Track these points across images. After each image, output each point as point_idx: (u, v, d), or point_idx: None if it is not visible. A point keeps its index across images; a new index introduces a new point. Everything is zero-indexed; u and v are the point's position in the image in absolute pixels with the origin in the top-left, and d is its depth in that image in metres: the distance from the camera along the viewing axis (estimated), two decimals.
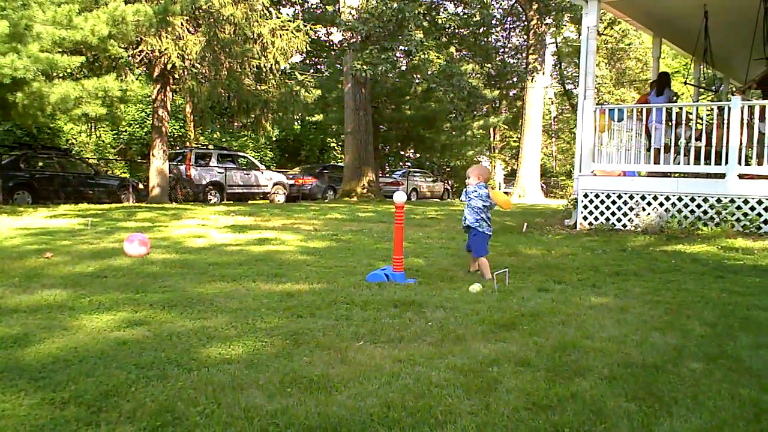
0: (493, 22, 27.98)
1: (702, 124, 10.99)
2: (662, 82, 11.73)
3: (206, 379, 3.00)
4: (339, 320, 4.15)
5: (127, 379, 2.97)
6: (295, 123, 32.61)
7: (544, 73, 30.80)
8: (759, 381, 3.09)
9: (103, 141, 28.12)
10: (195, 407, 2.66)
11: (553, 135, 50.76)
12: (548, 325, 4.09)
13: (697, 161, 9.85)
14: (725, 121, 9.54)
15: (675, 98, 11.80)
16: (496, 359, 3.34)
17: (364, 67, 20.30)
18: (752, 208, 9.08)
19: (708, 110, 10.67)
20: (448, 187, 36.52)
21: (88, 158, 24.29)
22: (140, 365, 3.17)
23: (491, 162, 44.19)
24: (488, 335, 3.84)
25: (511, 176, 38.06)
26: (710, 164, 9.65)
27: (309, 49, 22.55)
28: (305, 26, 20.47)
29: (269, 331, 3.87)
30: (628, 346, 3.64)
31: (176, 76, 18.99)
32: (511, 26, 33.19)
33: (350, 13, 22.10)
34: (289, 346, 3.57)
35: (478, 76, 30.87)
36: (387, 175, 32.65)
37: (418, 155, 41.75)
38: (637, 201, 9.92)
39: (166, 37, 16.80)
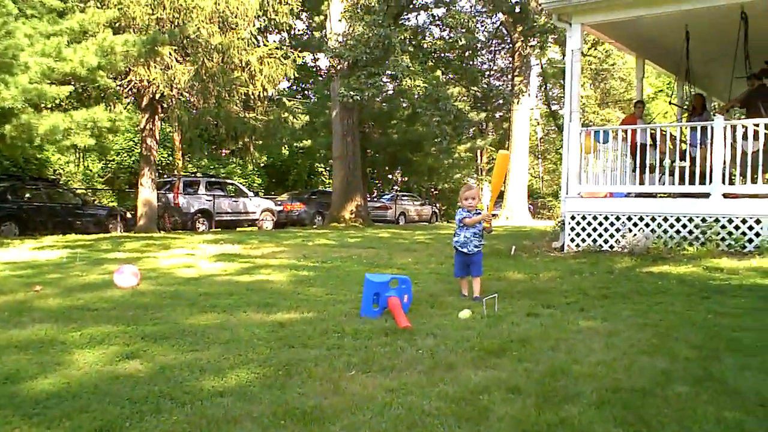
0: (479, 45, 28.32)
1: (686, 144, 11.16)
2: (701, 103, 12.21)
3: (200, 412, 3.00)
4: (331, 350, 4.17)
5: (120, 414, 2.98)
6: (283, 148, 32.74)
7: (529, 95, 31.17)
8: (743, 403, 3.14)
9: (91, 170, 28.09)
10: None
11: (539, 156, 51.13)
12: (538, 351, 4.13)
13: (681, 181, 9.99)
14: (708, 141, 9.71)
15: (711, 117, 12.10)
16: (486, 387, 3.37)
17: (351, 92, 20.47)
18: (737, 227, 9.20)
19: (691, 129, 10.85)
20: (436, 210, 36.63)
21: (76, 188, 24.24)
22: (134, 400, 3.17)
23: (479, 184, 44.38)
24: (478, 362, 3.87)
25: (498, 197, 38.25)
26: (695, 184, 9.79)
27: (296, 75, 22.75)
28: (292, 53, 20.67)
29: (261, 362, 3.88)
30: (616, 371, 3.68)
31: (164, 105, 19.07)
32: (497, 49, 33.60)
33: (337, 39, 22.31)
34: (281, 377, 3.58)
35: (465, 98, 31.16)
36: (375, 199, 32.74)
37: (405, 178, 41.92)
38: (623, 222, 10.03)
39: (155, 66, 16.91)
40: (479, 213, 6.16)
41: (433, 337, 4.48)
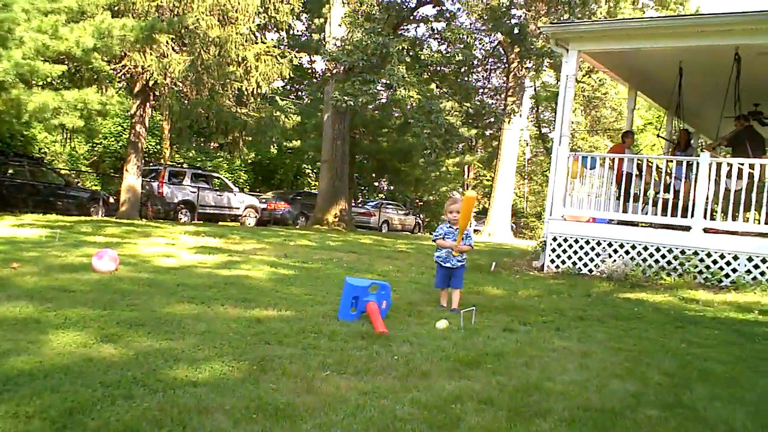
0: (475, 62, 28.47)
1: (671, 177, 11.30)
2: (686, 139, 12.40)
3: (172, 401, 3.00)
4: (306, 349, 4.17)
5: (92, 396, 2.97)
6: (272, 147, 32.69)
7: (521, 116, 31.38)
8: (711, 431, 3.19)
9: (77, 152, 27.85)
10: (160, 429, 2.67)
11: (525, 176, 51.44)
12: (512, 366, 4.16)
13: (664, 213, 10.11)
14: (693, 176, 9.84)
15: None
16: (459, 396, 3.39)
17: (345, 97, 20.50)
18: (714, 262, 9.32)
19: (677, 164, 11.00)
20: (420, 221, 36.71)
21: (60, 168, 24.04)
22: (106, 383, 3.16)
23: None
24: (453, 372, 3.89)
25: (482, 214, 38.44)
26: (677, 216, 9.92)
27: (291, 75, 22.75)
28: (290, 53, 20.66)
29: (236, 355, 3.88)
30: (588, 391, 3.71)
31: (157, 92, 18.98)
32: (492, 67, 33.81)
33: (335, 44, 22.35)
34: (255, 372, 3.58)
35: (457, 113, 31.30)
36: (359, 205, 32.77)
37: (391, 187, 42.02)
38: (604, 247, 10.13)
39: (151, 54, 16.83)
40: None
41: (409, 345, 4.50)
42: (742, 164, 9.74)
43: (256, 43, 19.92)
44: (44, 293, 5.30)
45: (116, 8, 15.70)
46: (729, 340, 5.62)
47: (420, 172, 36.92)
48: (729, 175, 9.74)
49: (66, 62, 13.51)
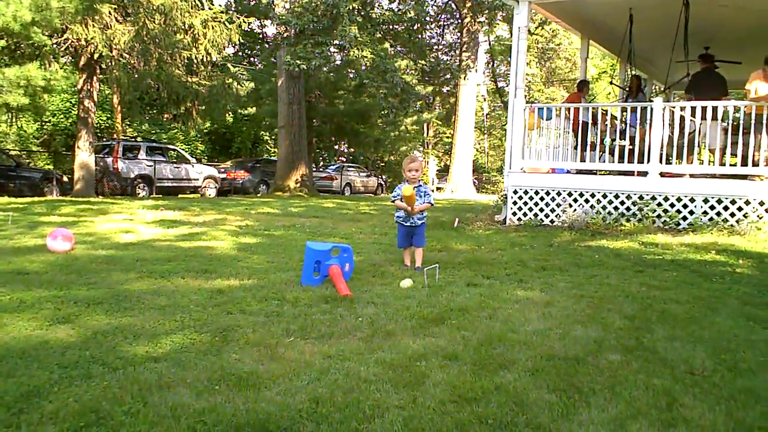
0: (427, 18, 28.18)
1: (626, 124, 11.39)
2: (637, 85, 12.36)
3: (132, 377, 2.95)
4: (269, 316, 4.13)
5: (49, 379, 2.90)
6: (227, 115, 32.12)
7: (476, 71, 31.31)
8: (672, 372, 3.24)
9: (25, 131, 27.05)
10: (120, 407, 2.62)
11: (485, 131, 51.57)
12: (476, 320, 4.18)
13: (621, 160, 10.21)
14: (648, 122, 9.93)
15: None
16: (424, 354, 3.40)
17: (298, 61, 20.17)
18: (672, 205, 9.47)
19: (631, 110, 11.08)
20: (382, 182, 36.66)
21: (9, 149, 23.33)
22: (63, 365, 3.09)
23: (425, 157, 44.58)
24: (417, 330, 3.90)
25: (444, 171, 38.53)
26: (633, 163, 10.03)
27: (242, 41, 22.25)
28: (238, 18, 20.16)
29: (198, 327, 3.83)
30: (551, 339, 3.75)
31: (103, 65, 18.41)
32: (445, 23, 33.58)
33: (284, 6, 21.90)
34: (218, 343, 3.54)
35: (412, 72, 31.07)
36: (320, 170, 32.56)
37: (352, 150, 41.77)
38: (564, 197, 10.21)
39: (93, 25, 16.26)
40: (420, 186, 6.17)
41: (374, 306, 4.49)
42: (695, 107, 9.84)
43: (203, 9, 19.36)
44: None
45: None
46: (687, 281, 5.74)
47: (379, 133, 36.71)
48: (682, 119, 9.85)
49: (4, 38, 12.98)
